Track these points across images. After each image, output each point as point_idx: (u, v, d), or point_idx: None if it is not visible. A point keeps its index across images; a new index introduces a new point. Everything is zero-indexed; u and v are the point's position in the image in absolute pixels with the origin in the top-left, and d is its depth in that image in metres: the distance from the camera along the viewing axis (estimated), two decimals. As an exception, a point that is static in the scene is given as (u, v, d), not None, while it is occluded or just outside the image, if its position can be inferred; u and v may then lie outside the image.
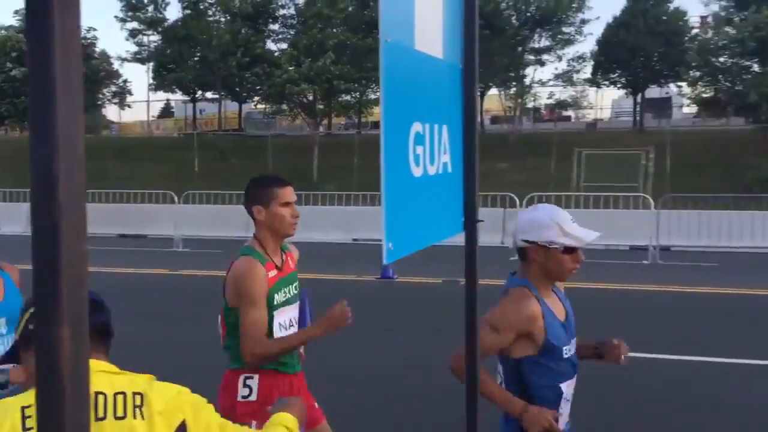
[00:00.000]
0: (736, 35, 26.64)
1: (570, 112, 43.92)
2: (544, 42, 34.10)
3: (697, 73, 29.41)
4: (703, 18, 34.41)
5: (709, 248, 14.40)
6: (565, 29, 33.51)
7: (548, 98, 37.58)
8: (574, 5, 32.15)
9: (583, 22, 33.69)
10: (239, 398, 3.09)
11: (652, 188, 21.19)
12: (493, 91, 36.38)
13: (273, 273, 3.14)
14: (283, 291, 3.18)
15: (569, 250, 2.55)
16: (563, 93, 37.02)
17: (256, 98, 38.56)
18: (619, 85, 37.31)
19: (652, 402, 5.97)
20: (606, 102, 51.79)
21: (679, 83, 34.82)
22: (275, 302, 3.12)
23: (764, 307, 9.36)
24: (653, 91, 39.97)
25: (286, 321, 3.22)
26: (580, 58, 35.01)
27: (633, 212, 15.90)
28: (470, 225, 2.15)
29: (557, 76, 35.03)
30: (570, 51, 34.78)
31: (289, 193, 3.16)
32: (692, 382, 6.50)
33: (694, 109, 33.97)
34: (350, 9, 30.49)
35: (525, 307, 2.55)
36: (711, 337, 7.98)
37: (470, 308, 2.17)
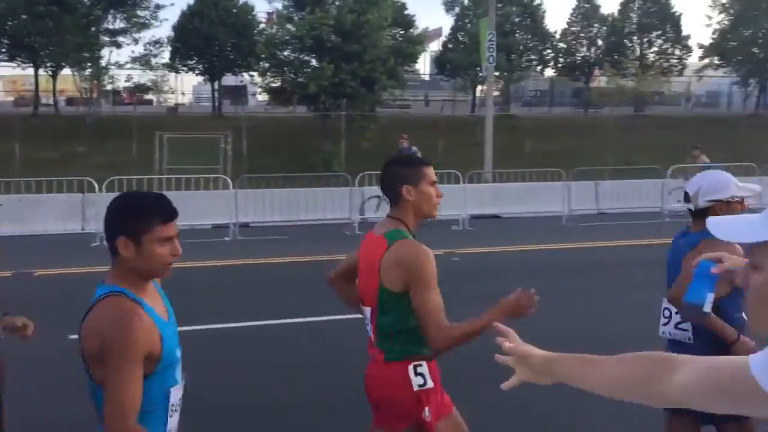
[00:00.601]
0: (296, 32, 29.69)
1: (152, 96, 43.58)
2: (119, 24, 33.32)
3: (266, 65, 31.95)
4: (269, 14, 37.43)
5: (282, 223, 16.21)
6: (140, 12, 33.19)
7: (126, 81, 36.79)
8: (147, -10, 32.05)
9: (158, 7, 33.82)
10: (416, 388, 2.99)
11: (231, 170, 22.66)
12: (67, 71, 34.21)
13: None
14: None
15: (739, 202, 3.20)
16: (143, 77, 36.63)
17: None
18: (197, 72, 38.39)
19: (244, 366, 6.88)
20: (187, 87, 52.79)
21: (252, 73, 37.37)
22: None
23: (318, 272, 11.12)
24: (229, 79, 42.09)
25: None
26: (157, 42, 35.06)
27: (213, 193, 16.91)
28: None
29: (135, 60, 34.51)
30: (146, 35, 34.60)
31: (433, 173, 3.12)
32: (264, 342, 7.63)
33: (266, 97, 36.75)
34: None
35: None
36: (277, 301, 9.31)
37: None
